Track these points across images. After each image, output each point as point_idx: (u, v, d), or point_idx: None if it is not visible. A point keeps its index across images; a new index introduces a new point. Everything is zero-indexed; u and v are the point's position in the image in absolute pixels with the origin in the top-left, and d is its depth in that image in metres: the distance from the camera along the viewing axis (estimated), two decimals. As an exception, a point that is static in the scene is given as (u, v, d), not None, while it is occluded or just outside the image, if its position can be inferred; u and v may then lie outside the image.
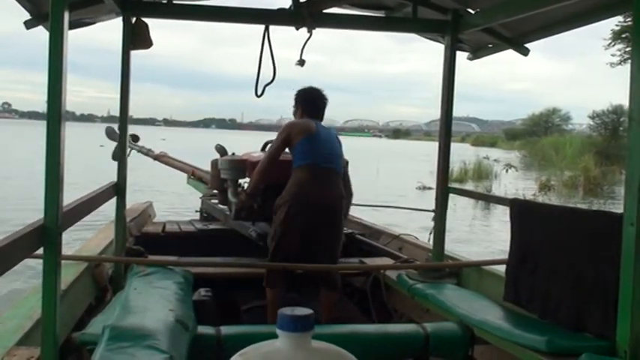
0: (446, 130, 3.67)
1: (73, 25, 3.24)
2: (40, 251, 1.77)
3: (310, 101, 3.78)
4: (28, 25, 3.16)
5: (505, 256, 2.98)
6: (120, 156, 3.48)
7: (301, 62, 3.69)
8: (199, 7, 3.58)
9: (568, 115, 61.33)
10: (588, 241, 2.43)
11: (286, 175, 3.55)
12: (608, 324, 2.19)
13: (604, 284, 2.27)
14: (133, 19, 3.34)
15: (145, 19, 3.38)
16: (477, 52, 3.92)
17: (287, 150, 3.76)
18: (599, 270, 2.34)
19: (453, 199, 3.85)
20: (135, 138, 5.60)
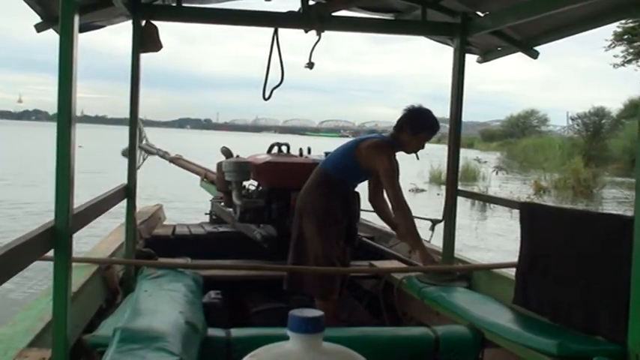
0: (455, 133, 3.66)
1: (83, 29, 3.25)
2: (51, 253, 1.78)
3: None
4: (39, 27, 3.17)
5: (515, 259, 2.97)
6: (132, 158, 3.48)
7: (310, 65, 3.69)
8: (209, 10, 3.59)
9: (546, 117, 61.57)
10: (599, 244, 2.41)
11: (290, 178, 3.51)
12: (619, 327, 2.16)
13: (615, 287, 2.25)
14: (143, 22, 3.36)
15: (155, 22, 3.40)
16: (486, 55, 3.91)
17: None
18: (610, 273, 2.32)
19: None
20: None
